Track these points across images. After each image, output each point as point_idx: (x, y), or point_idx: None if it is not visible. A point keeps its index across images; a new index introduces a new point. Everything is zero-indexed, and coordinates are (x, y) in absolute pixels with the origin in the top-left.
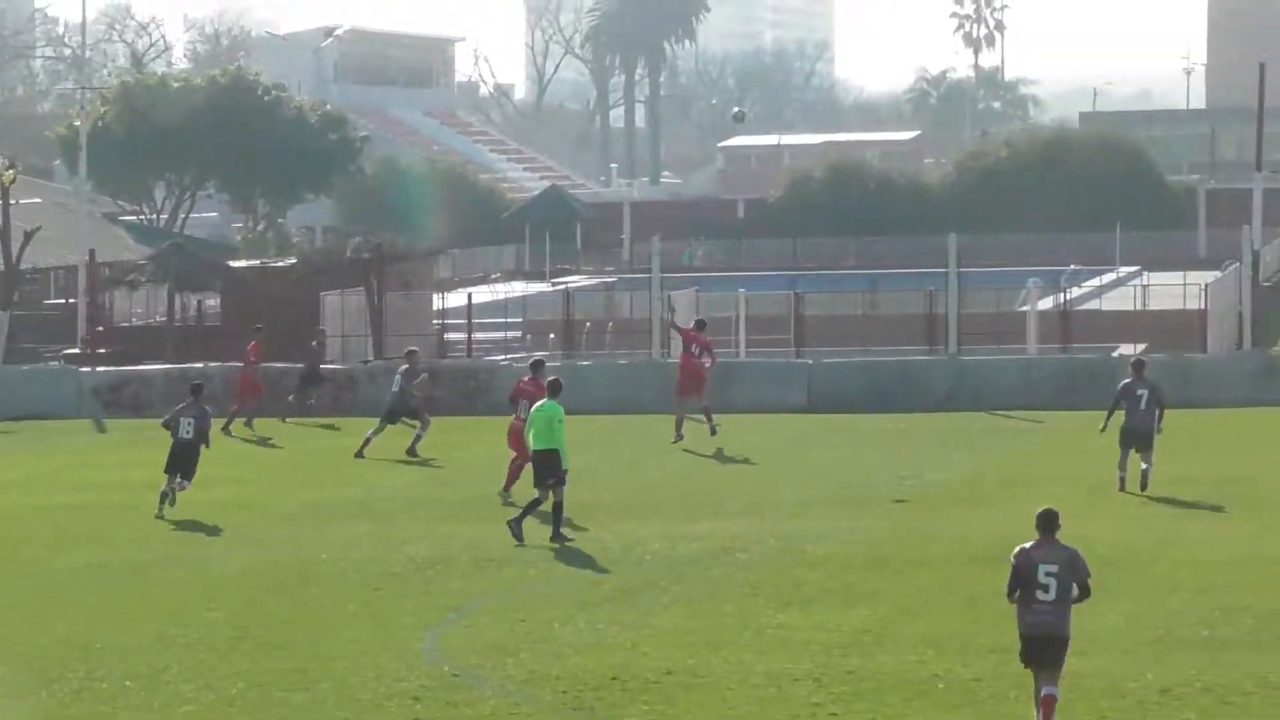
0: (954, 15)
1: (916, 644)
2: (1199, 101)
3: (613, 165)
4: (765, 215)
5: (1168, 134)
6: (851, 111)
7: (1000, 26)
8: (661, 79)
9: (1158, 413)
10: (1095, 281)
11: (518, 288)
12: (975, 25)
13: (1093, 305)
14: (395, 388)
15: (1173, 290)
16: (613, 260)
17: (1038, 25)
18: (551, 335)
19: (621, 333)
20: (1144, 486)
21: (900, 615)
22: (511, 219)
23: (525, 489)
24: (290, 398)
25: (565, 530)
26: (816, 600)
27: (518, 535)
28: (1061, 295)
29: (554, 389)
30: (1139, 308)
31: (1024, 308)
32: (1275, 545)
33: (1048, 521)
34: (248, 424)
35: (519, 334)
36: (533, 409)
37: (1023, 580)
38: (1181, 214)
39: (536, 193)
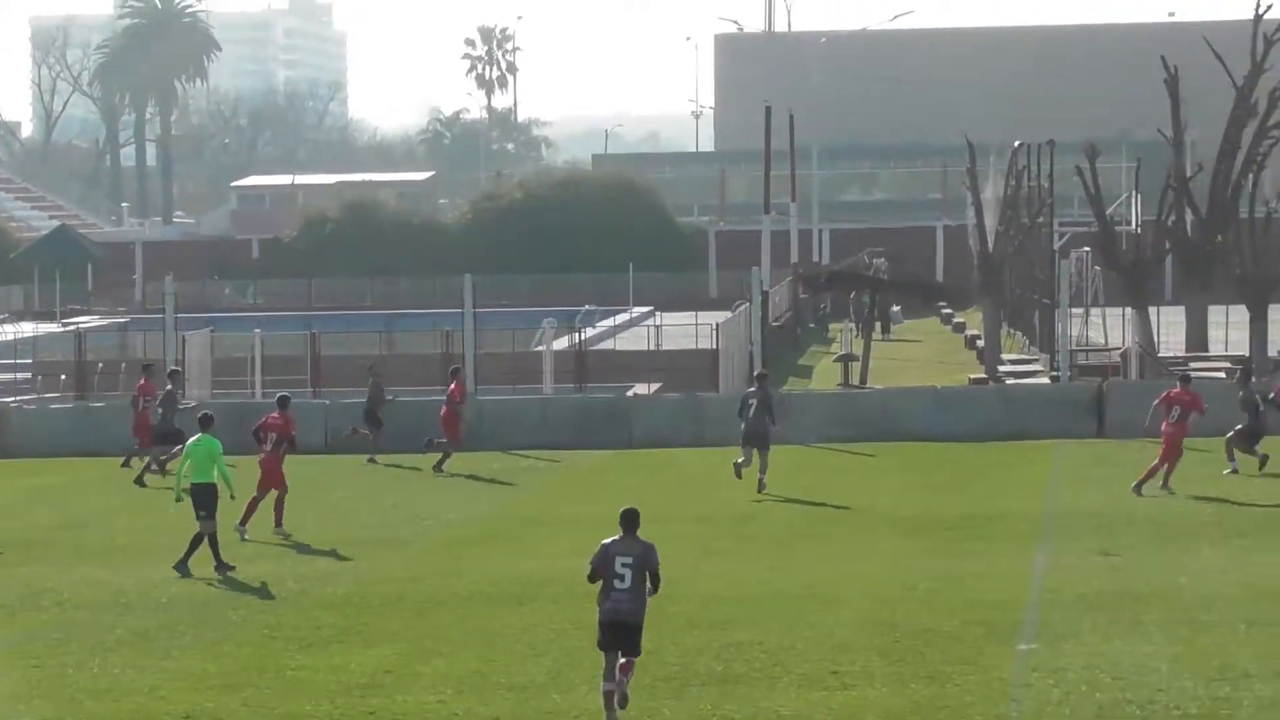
0: (466, 56)
1: (436, 683)
2: (708, 144)
3: (124, 204)
4: (281, 255)
5: (678, 176)
6: (366, 151)
7: (512, 68)
8: (173, 118)
9: (768, 416)
10: (610, 321)
11: (27, 328)
12: (487, 67)
13: (607, 345)
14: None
15: (685, 330)
16: (126, 300)
17: (549, 68)
18: (63, 376)
19: (136, 374)
20: (760, 488)
21: (419, 655)
22: (20, 259)
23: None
24: (358, 433)
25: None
26: (335, 641)
27: (183, 571)
28: (577, 335)
29: (205, 423)
30: (653, 347)
31: (540, 348)
32: (786, 581)
33: (629, 519)
34: (146, 464)
35: (29, 375)
36: (189, 444)
37: (603, 571)
38: (693, 255)
39: (45, 232)
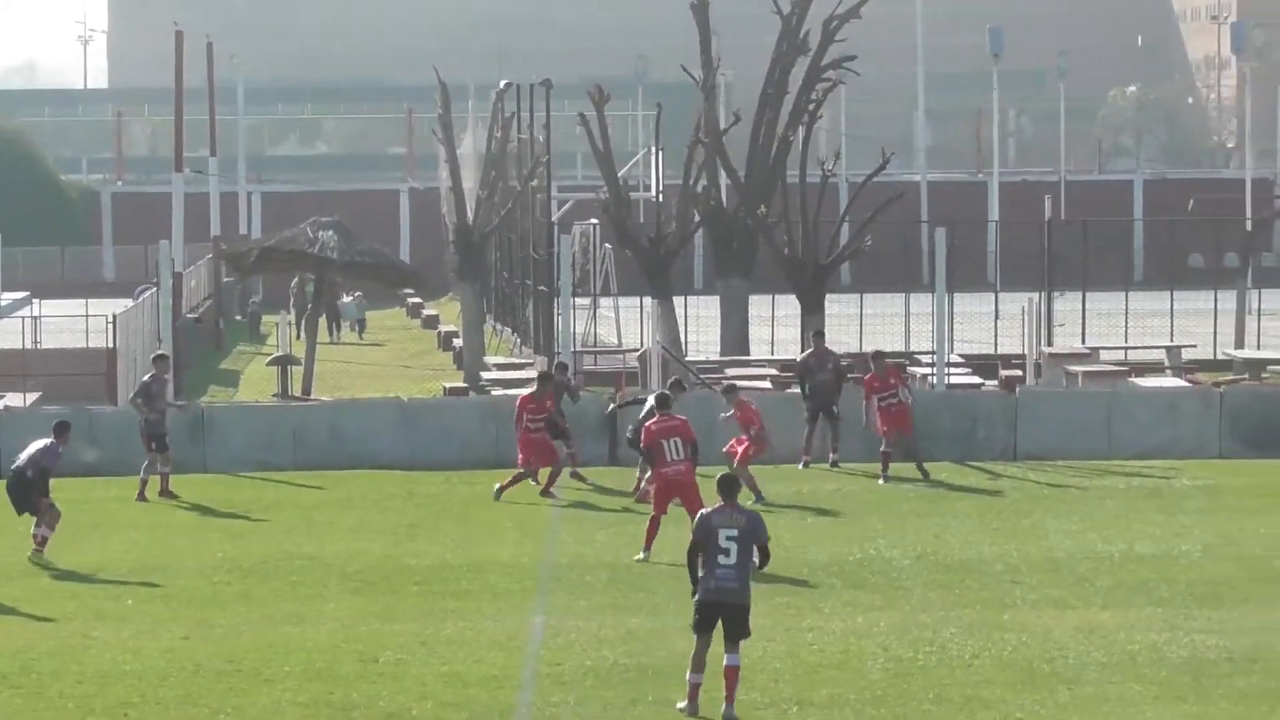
0: None
1: None
2: (101, 80)
3: None
4: None
5: (62, 120)
6: None
7: None
8: None
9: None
10: None
11: None
12: None
13: None
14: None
15: (73, 323)
16: None
17: None
18: None
19: None
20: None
21: None
22: None
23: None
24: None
25: None
26: None
27: None
28: None
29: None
30: (29, 346)
31: None
32: (204, 653)
33: (727, 486)
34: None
35: None
36: None
37: (704, 546)
38: (82, 224)
39: None
